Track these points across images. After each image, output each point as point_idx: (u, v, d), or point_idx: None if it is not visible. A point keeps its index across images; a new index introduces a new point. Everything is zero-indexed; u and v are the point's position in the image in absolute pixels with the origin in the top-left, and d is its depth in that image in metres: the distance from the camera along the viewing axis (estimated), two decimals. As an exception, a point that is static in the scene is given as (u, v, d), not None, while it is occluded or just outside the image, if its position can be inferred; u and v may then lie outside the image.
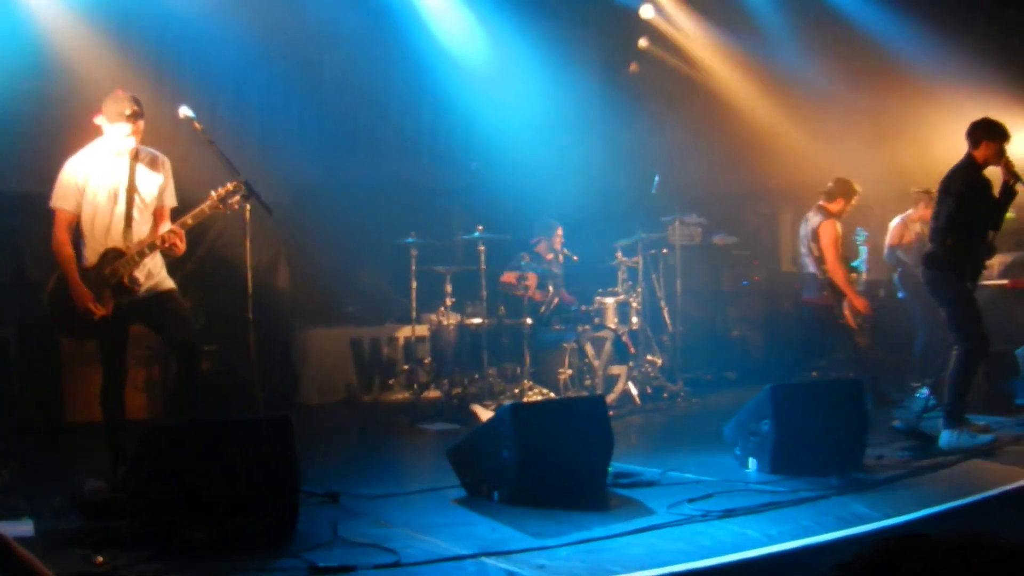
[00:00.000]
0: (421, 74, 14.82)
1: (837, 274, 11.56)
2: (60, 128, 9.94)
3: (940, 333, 10.97)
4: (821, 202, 11.88)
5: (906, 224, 13.16)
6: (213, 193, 7.82)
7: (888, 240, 13.19)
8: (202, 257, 11.33)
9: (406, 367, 12.74)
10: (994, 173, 9.30)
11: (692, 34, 16.40)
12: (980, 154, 9.26)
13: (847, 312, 11.62)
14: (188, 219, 7.87)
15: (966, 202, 9.17)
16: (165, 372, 11.30)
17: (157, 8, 11.76)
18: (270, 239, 12.20)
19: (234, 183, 7.81)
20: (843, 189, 11.85)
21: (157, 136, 8.39)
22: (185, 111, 7.91)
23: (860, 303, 11.58)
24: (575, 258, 13.32)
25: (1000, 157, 9.21)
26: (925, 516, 6.52)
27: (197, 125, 7.85)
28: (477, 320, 12.20)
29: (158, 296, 8.07)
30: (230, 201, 7.81)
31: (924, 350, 11.92)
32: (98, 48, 11.12)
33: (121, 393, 8.11)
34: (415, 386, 12.43)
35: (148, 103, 8.22)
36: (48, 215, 7.93)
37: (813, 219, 11.82)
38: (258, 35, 12.73)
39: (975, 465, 8.35)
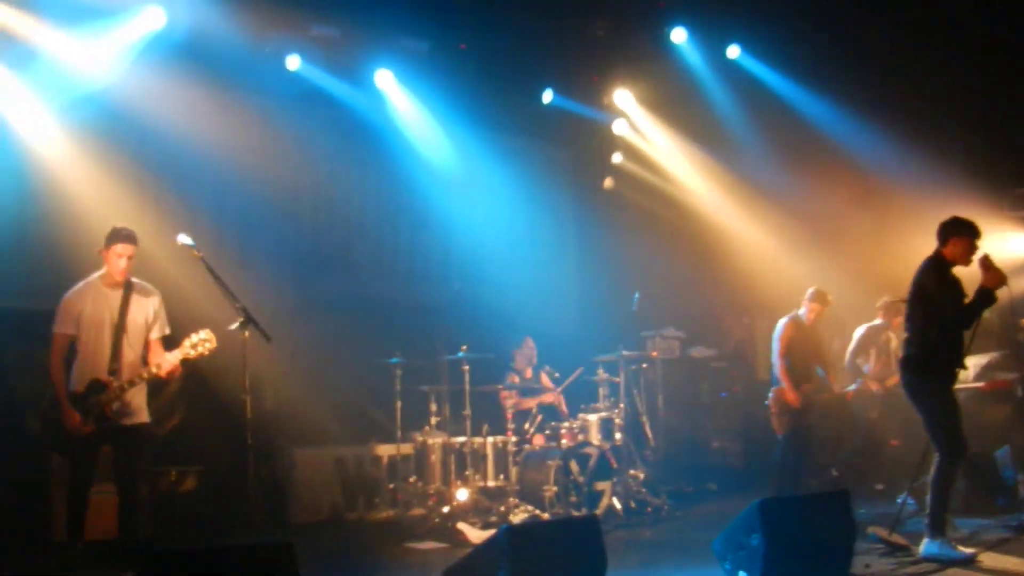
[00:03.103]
0: (398, 193, 14.98)
1: (779, 361, 12.17)
2: (46, 248, 10.33)
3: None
4: (799, 310, 12.49)
5: (871, 333, 13.43)
6: (184, 340, 8.58)
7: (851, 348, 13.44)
8: (186, 376, 11.30)
9: (391, 486, 12.73)
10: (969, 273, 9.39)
11: (665, 148, 16.68)
12: (949, 252, 9.31)
13: (772, 399, 12.11)
14: (178, 356, 8.60)
15: (940, 301, 9.20)
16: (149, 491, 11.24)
17: (137, 131, 11.88)
18: (255, 357, 12.21)
19: (206, 331, 8.63)
20: (816, 297, 12.48)
21: (143, 258, 8.72)
22: (183, 239, 8.40)
23: (792, 396, 12.01)
24: (556, 375, 13.48)
25: (968, 255, 9.25)
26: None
27: (196, 253, 8.24)
28: (462, 438, 12.27)
29: (132, 428, 8.73)
30: (200, 349, 8.58)
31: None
32: (80, 169, 11.30)
33: (85, 499, 8.71)
34: (400, 505, 12.45)
35: (131, 223, 8.62)
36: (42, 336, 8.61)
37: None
38: (236, 155, 12.88)
39: (958, 573, 8.42)
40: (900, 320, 12.07)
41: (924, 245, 9.55)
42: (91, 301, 8.61)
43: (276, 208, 13.66)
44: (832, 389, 12.89)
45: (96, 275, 8.72)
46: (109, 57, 11.60)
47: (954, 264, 9.34)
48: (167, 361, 8.54)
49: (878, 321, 13.49)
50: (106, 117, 11.51)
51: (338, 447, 13.23)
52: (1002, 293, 9.27)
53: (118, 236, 8.59)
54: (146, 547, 8.64)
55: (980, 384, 13.63)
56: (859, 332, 13.48)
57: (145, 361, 8.75)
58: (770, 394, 12.31)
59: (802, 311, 12.47)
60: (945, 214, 9.54)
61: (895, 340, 13.22)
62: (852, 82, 15.17)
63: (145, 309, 8.79)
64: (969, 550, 8.96)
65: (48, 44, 11.15)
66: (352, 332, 13.43)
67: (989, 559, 8.81)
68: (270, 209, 13.58)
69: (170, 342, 8.84)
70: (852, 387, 13.27)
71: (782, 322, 12.42)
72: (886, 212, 15.03)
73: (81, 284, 8.73)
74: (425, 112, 14.81)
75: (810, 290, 12.53)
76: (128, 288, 8.69)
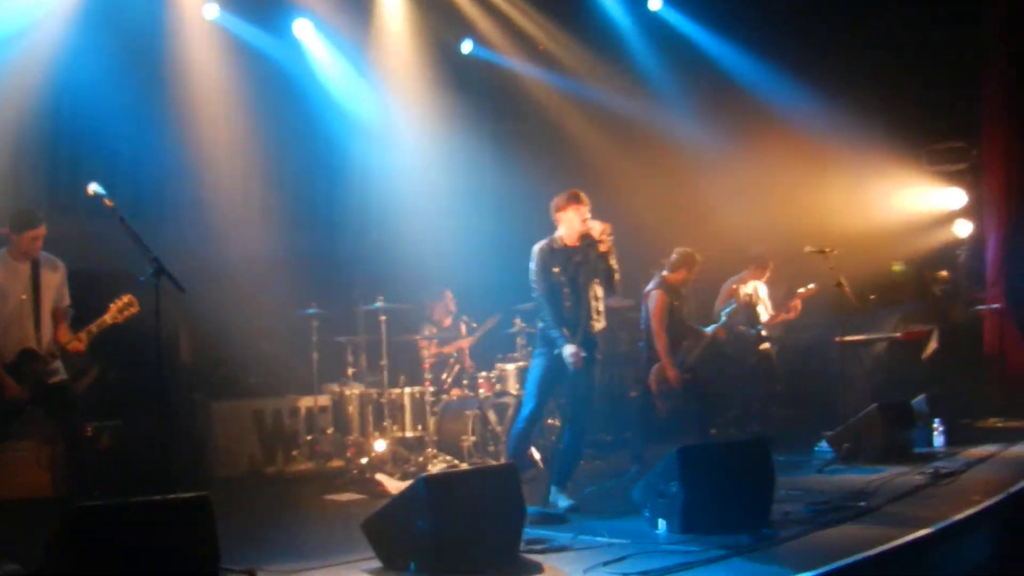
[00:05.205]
0: (315, 143, 14.86)
1: (659, 340, 11.81)
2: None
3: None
4: (664, 273, 12.14)
5: (730, 286, 13.54)
6: (112, 305, 8.77)
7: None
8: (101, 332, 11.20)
9: (309, 437, 12.70)
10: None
11: (587, 102, 16.64)
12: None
13: (652, 378, 11.83)
14: (93, 328, 8.80)
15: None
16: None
17: (51, 81, 11.67)
18: (170, 312, 12.07)
19: (128, 296, 8.78)
20: (685, 260, 12.11)
21: (57, 211, 8.69)
22: (95, 187, 8.24)
23: (673, 374, 11.81)
24: (474, 325, 13.48)
25: (572, 224, 9.93)
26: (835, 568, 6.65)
27: (108, 202, 8.12)
28: (379, 389, 12.24)
29: (60, 385, 8.94)
30: (127, 312, 8.79)
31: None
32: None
33: None
34: (319, 456, 12.42)
35: (46, 177, 8.55)
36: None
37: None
38: (153, 106, 12.71)
39: (878, 517, 8.50)
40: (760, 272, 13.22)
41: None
42: (5, 276, 8.68)
43: (193, 160, 13.47)
44: (703, 334, 12.48)
45: (3, 248, 8.77)
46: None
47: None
48: (97, 326, 8.77)
49: (740, 275, 13.65)
50: (18, 66, 11.30)
51: (255, 400, 13.09)
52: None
53: (32, 222, 8.65)
54: (66, 503, 8.56)
55: (896, 335, 13.84)
56: (724, 287, 13.77)
57: (56, 330, 8.89)
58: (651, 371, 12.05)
59: (666, 272, 12.11)
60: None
61: (752, 289, 13.39)
62: (776, 39, 15.26)
63: (55, 281, 8.91)
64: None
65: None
66: (269, 283, 13.32)
67: (898, 508, 8.88)
68: (187, 162, 13.39)
69: (90, 310, 8.92)
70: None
71: (653, 294, 11.95)
72: (812, 167, 15.11)
73: None
74: (343, 61, 14.70)
75: (675, 254, 12.18)
76: (36, 261, 8.78)
